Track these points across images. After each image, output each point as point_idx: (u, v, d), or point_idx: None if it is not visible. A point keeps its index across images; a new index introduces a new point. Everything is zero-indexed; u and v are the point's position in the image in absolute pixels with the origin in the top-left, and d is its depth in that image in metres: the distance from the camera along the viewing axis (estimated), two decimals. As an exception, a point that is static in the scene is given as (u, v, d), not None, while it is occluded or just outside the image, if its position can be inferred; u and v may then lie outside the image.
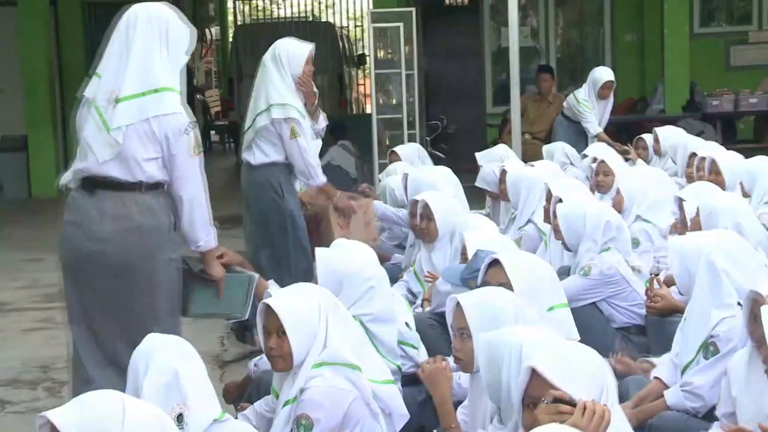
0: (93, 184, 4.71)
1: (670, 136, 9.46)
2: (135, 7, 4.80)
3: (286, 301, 4.14)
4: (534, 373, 3.12)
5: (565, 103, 11.42)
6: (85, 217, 4.72)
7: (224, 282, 4.90)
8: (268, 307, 4.10)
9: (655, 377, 4.71)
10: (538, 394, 3.09)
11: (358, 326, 4.51)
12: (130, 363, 3.67)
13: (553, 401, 3.03)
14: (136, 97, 4.63)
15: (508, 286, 4.34)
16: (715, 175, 7.28)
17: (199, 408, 3.56)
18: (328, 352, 4.11)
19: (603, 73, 11.17)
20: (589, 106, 10.91)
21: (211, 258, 4.87)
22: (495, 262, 4.51)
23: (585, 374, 3.10)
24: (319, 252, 4.94)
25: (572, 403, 3.02)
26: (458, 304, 4.02)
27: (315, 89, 6.99)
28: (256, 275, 5.08)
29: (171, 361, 3.58)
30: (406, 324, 5.25)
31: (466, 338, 3.93)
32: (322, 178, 7.04)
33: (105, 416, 2.88)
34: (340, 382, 4.08)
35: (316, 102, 7.05)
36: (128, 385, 3.63)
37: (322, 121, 7.21)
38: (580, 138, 10.93)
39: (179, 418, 3.52)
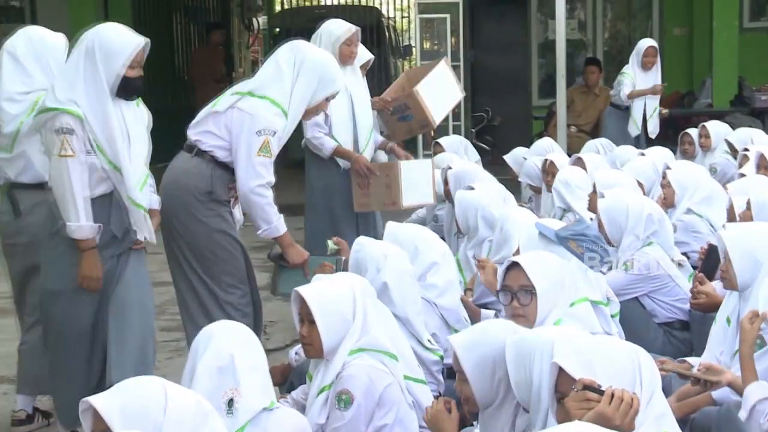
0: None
1: (722, 130, 9.39)
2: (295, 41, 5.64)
3: (318, 289, 4.15)
4: (561, 369, 3.12)
5: (612, 91, 11.38)
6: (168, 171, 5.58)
7: (311, 263, 5.46)
8: (300, 295, 4.13)
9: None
10: (567, 389, 3.10)
11: (393, 319, 4.51)
12: (194, 342, 3.72)
13: (583, 389, 3.04)
14: (242, 95, 5.41)
15: (530, 287, 4.30)
16: (764, 170, 7.22)
17: (251, 395, 3.57)
18: (368, 339, 4.12)
19: (644, 42, 11.17)
20: (629, 73, 10.88)
21: (283, 244, 5.50)
22: (514, 265, 4.42)
23: (612, 367, 3.09)
24: (359, 239, 5.01)
25: (601, 392, 3.03)
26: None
27: None
28: (343, 257, 5.47)
29: (229, 345, 3.60)
30: (465, 318, 5.28)
31: (464, 382, 3.72)
32: None
33: (147, 402, 2.89)
34: (379, 365, 4.11)
35: None
36: (188, 364, 3.66)
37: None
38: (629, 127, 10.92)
39: (229, 403, 3.54)
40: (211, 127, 5.43)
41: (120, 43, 4.93)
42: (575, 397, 3.06)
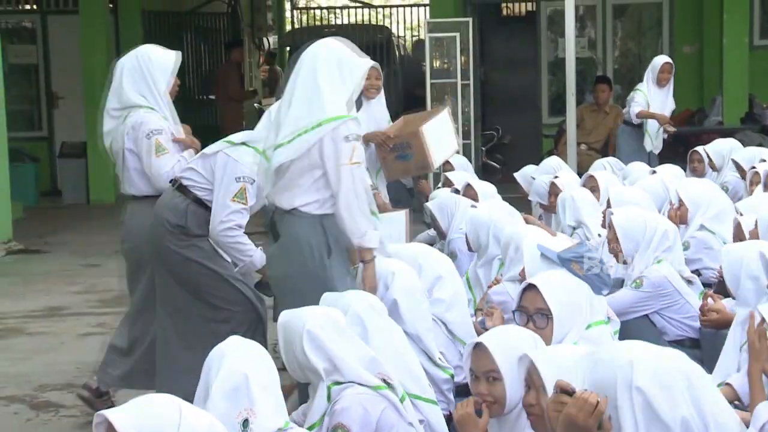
0: None
1: (725, 148, 9.37)
2: None
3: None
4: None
5: (624, 108, 11.37)
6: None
7: None
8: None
9: (727, 383, 4.65)
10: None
11: (399, 334, 4.50)
12: (206, 361, 3.71)
13: (560, 392, 3.09)
14: (233, 144, 5.56)
15: (547, 311, 4.28)
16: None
17: (265, 415, 3.56)
18: (343, 373, 4.07)
19: (660, 58, 11.21)
20: (643, 91, 10.88)
21: (265, 274, 5.54)
22: (531, 287, 4.40)
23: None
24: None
25: (572, 394, 3.07)
26: (479, 346, 3.79)
27: None
28: None
29: (243, 365, 3.59)
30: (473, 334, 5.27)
31: (495, 381, 3.70)
32: None
33: (162, 421, 2.91)
34: (369, 391, 4.07)
35: None
36: (201, 383, 3.65)
37: None
38: (641, 145, 10.89)
39: (244, 423, 3.53)
40: (197, 166, 5.57)
41: (359, 59, 5.01)
42: (552, 398, 3.12)
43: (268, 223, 5.14)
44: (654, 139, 10.94)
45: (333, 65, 4.89)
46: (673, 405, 2.90)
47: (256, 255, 5.51)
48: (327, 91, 4.84)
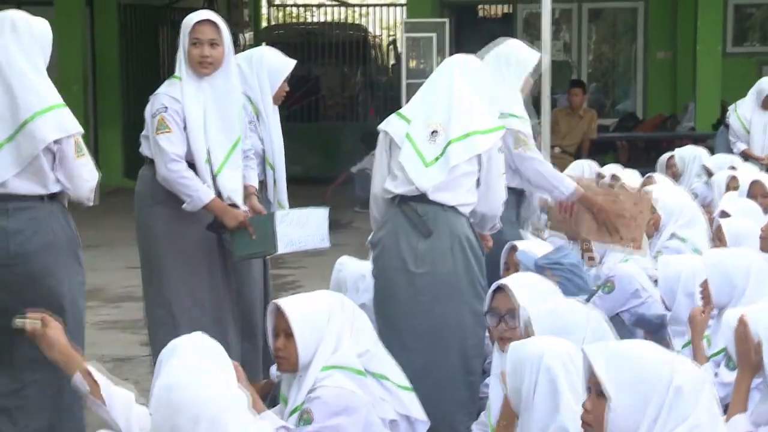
0: None
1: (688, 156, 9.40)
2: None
3: (296, 303, 4.16)
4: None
5: (730, 136, 10.82)
6: None
7: (252, 223, 5.41)
8: (278, 308, 4.14)
9: None
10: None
11: (373, 331, 4.51)
12: (159, 357, 3.64)
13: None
14: None
15: (516, 311, 4.28)
16: (762, 198, 7.28)
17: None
18: (338, 356, 4.12)
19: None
20: (739, 115, 10.54)
21: (215, 212, 5.40)
22: (500, 289, 4.43)
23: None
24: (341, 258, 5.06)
25: None
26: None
27: None
28: (281, 213, 5.53)
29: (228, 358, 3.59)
30: None
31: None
32: None
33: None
34: (351, 385, 4.09)
35: None
36: (153, 380, 3.62)
37: None
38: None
39: None
40: (147, 131, 5.51)
41: None
42: None
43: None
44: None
45: (489, 80, 5.39)
46: None
47: (201, 191, 5.38)
48: (487, 101, 5.22)
